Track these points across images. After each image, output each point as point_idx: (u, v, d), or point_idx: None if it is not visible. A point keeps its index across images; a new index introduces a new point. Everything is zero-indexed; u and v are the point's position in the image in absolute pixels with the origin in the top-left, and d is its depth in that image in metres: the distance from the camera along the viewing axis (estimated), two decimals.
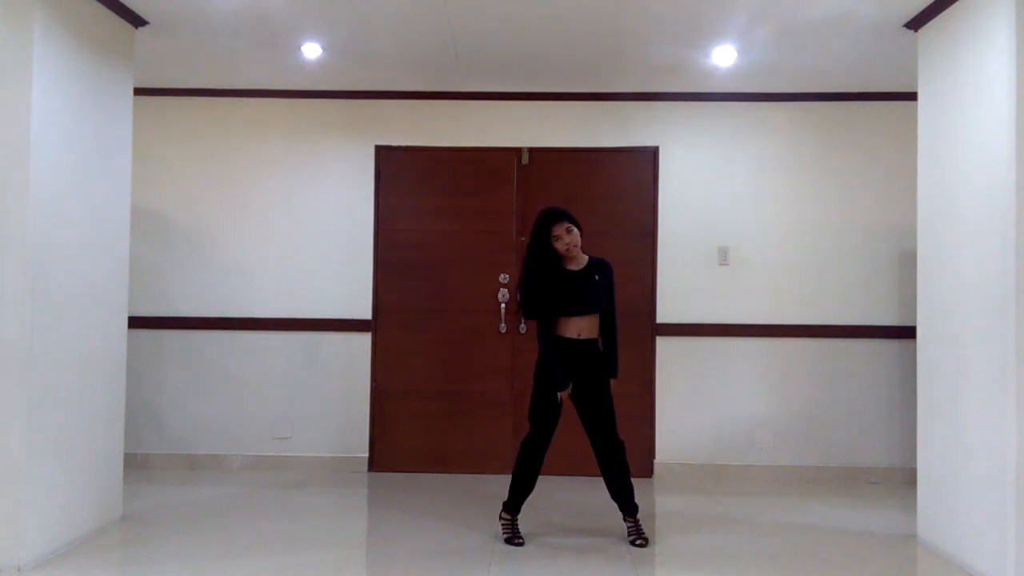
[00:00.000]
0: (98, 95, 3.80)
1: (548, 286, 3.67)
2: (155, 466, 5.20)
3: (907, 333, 5.00)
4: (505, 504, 3.82)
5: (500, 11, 3.94)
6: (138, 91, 4.89)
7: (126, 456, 4.27)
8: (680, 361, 5.19)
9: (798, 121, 5.25)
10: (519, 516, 3.82)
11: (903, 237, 5.12)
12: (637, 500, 3.80)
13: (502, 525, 3.82)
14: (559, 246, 3.68)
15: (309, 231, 5.29)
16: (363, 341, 5.26)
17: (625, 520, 3.78)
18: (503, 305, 5.20)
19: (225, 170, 5.32)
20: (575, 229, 3.69)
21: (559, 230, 3.66)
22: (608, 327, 3.79)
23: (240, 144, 5.32)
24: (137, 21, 4.04)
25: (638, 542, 3.70)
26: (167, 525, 4.01)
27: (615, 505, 3.82)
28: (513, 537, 3.74)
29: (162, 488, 4.72)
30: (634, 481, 3.81)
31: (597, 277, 3.75)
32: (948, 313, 3.69)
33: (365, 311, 5.27)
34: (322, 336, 5.26)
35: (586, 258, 3.78)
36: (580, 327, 3.71)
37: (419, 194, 5.31)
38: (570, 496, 4.59)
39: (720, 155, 5.27)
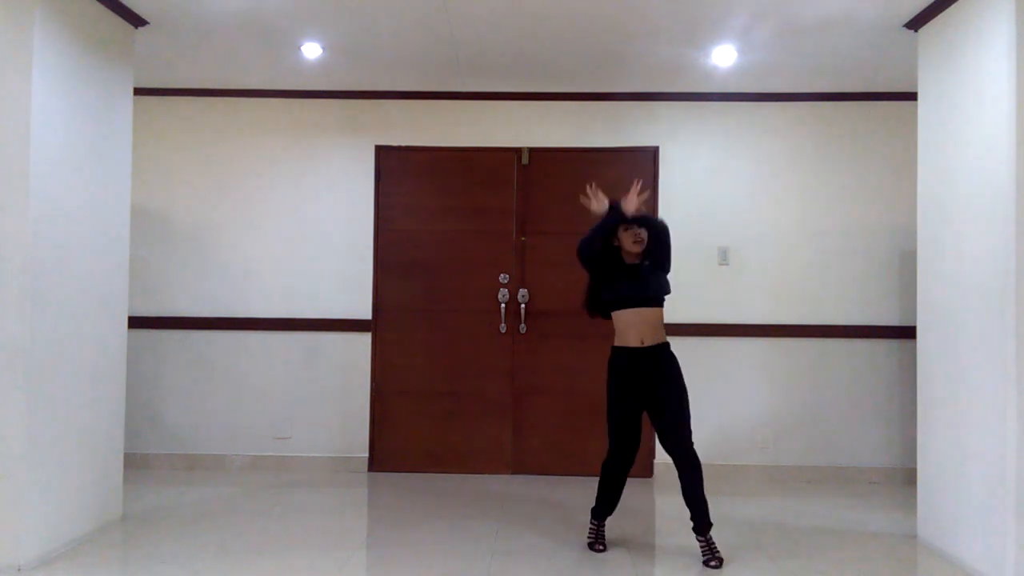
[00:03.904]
0: (98, 95, 3.80)
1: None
2: (155, 466, 5.20)
3: (907, 333, 5.00)
4: (592, 509, 3.80)
5: (500, 11, 3.94)
6: (138, 91, 4.89)
7: (126, 456, 4.27)
8: (680, 361, 5.17)
9: (798, 121, 5.25)
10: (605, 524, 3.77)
11: (903, 237, 5.12)
12: (687, 511, 3.58)
13: (590, 529, 3.79)
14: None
15: (309, 231, 5.29)
16: (363, 341, 5.26)
17: (697, 538, 3.56)
18: (503, 305, 5.20)
19: (225, 170, 5.32)
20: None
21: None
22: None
23: (240, 144, 5.32)
24: (137, 21, 4.04)
25: (712, 563, 3.45)
26: (167, 525, 4.01)
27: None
28: (595, 543, 3.72)
29: (162, 488, 4.72)
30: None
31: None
32: (948, 313, 3.69)
33: (365, 311, 5.27)
34: (322, 336, 5.26)
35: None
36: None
37: (419, 194, 5.31)
38: (571, 496, 4.58)
39: (720, 155, 5.27)
